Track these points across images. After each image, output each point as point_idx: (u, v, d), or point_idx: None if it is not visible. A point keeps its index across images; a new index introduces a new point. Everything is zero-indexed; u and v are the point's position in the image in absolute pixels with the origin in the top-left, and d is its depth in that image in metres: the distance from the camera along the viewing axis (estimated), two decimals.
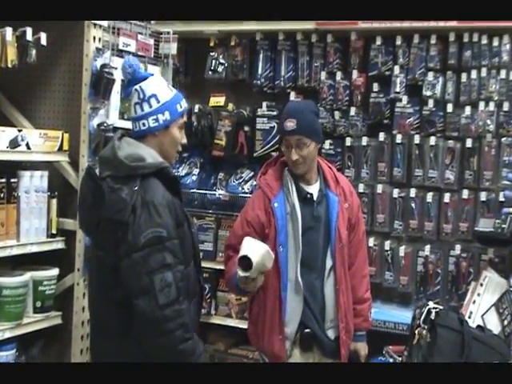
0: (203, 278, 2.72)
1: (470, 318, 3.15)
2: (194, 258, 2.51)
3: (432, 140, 3.79)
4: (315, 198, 2.97)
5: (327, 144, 4.00)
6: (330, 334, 2.95)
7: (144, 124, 2.40)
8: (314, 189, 2.99)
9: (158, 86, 2.45)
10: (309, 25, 3.97)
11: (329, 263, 2.94)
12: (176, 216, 2.36)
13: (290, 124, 2.90)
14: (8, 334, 3.10)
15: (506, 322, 3.10)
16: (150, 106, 2.40)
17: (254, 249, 2.57)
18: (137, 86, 2.43)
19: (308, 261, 2.91)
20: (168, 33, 3.97)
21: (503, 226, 3.35)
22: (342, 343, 2.94)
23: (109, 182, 2.29)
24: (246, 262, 2.53)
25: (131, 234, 2.23)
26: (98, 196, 2.27)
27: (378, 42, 3.94)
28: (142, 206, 2.25)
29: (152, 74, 2.54)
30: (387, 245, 3.88)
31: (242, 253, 2.56)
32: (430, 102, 3.80)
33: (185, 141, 2.53)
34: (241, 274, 2.56)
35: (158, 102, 2.41)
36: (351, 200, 3.05)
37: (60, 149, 3.36)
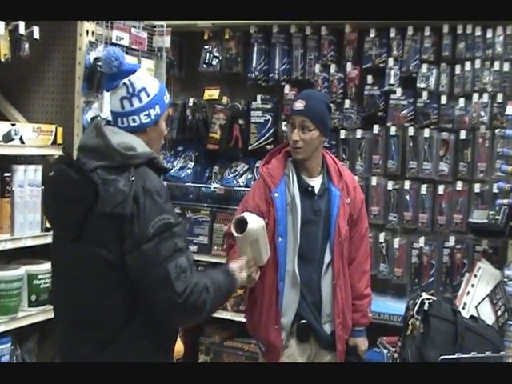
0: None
1: (464, 308, 3.16)
2: None
3: (426, 132, 3.80)
4: (316, 191, 2.94)
5: None
6: (327, 328, 2.94)
7: (134, 120, 2.22)
8: (316, 182, 2.96)
9: (147, 79, 2.27)
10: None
11: (327, 258, 2.92)
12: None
13: (299, 104, 2.91)
14: (3, 328, 3.09)
15: (499, 313, 3.11)
16: (141, 101, 2.22)
17: (253, 217, 2.57)
18: (126, 80, 2.22)
19: (306, 253, 2.90)
20: (161, 26, 3.95)
21: (497, 217, 3.36)
22: (337, 338, 2.93)
23: (100, 174, 2.11)
24: (241, 226, 2.51)
25: (137, 225, 2.06)
26: (87, 189, 2.09)
27: (372, 34, 3.95)
28: (145, 195, 2.09)
29: (139, 66, 2.35)
30: (382, 237, 3.90)
31: (240, 215, 2.56)
32: (424, 94, 3.81)
33: (166, 132, 2.41)
34: (234, 233, 2.52)
35: (148, 95, 2.23)
36: (354, 195, 3.00)
37: (54, 143, 3.34)
